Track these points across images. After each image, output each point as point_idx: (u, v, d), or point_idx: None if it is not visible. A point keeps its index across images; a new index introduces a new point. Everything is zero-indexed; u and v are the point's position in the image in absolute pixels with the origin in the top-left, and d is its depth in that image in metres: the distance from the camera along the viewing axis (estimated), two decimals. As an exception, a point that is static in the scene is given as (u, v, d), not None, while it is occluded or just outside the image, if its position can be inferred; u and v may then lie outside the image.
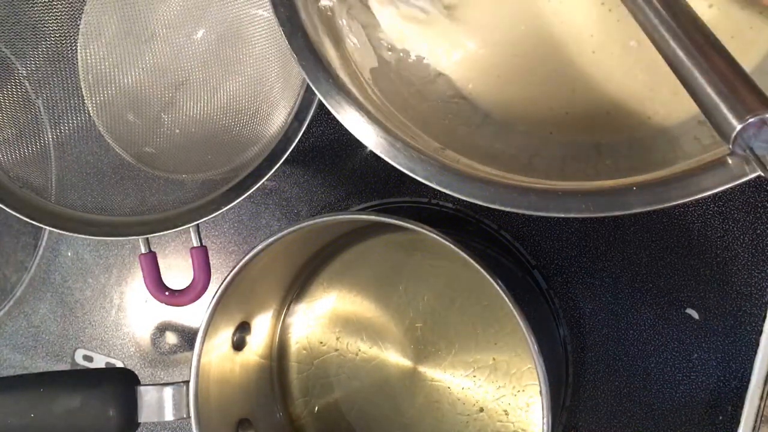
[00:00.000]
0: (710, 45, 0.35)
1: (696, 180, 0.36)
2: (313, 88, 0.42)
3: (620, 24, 0.50)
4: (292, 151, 0.52)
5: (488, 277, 0.46)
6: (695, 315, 0.55)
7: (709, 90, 0.34)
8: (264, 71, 0.56)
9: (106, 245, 0.68)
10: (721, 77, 0.34)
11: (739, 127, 0.32)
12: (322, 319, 0.61)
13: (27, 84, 0.58)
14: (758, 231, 0.53)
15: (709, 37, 0.36)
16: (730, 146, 0.33)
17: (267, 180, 0.51)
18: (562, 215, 0.38)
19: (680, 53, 0.35)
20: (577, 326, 0.58)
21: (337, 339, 0.61)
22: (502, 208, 0.39)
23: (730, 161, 0.35)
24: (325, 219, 0.48)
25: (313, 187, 0.63)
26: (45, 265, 0.69)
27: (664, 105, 0.49)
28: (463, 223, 0.60)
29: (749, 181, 0.35)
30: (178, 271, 0.65)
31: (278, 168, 0.52)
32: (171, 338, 0.69)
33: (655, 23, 0.37)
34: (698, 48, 0.35)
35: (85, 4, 0.57)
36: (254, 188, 0.50)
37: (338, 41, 0.47)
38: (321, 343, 0.61)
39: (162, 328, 0.68)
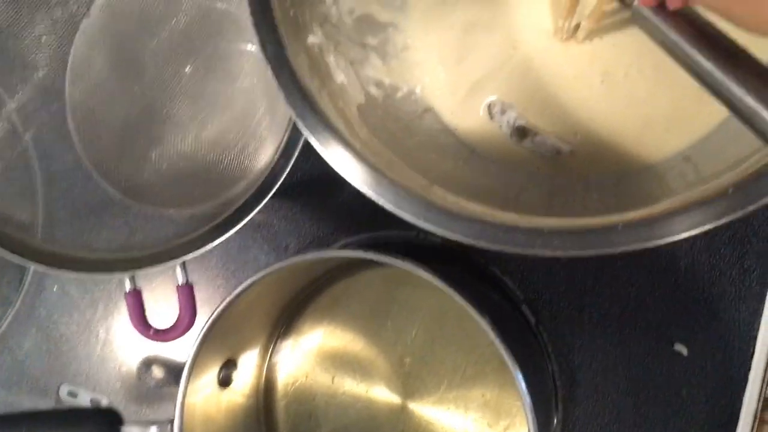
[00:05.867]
0: (738, 53, 0.36)
1: (679, 219, 0.36)
2: (300, 125, 0.42)
3: (616, 50, 0.51)
4: (280, 184, 0.52)
5: (475, 314, 0.45)
6: (684, 350, 0.54)
7: (747, 97, 0.34)
8: (252, 106, 0.56)
9: (92, 279, 0.68)
10: (760, 84, 0.35)
11: None
12: (310, 355, 0.61)
13: (15, 118, 0.58)
14: (745, 265, 0.53)
15: (736, 46, 0.36)
16: None
17: (255, 214, 0.51)
18: (548, 254, 0.38)
19: (709, 65, 0.36)
20: (566, 361, 0.57)
21: (325, 375, 0.60)
22: (488, 247, 0.39)
23: None
24: (311, 256, 0.48)
25: (301, 221, 0.63)
26: (30, 299, 0.69)
27: (654, 141, 0.50)
28: (451, 257, 0.60)
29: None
30: (164, 306, 0.64)
31: (266, 202, 0.52)
32: (157, 372, 0.68)
33: (680, 43, 0.38)
34: (728, 57, 0.36)
35: (74, 40, 0.57)
36: (240, 225, 0.50)
37: (326, 78, 0.47)
38: (308, 378, 0.61)
39: (148, 363, 0.68)
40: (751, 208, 0.35)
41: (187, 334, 0.55)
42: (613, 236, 0.38)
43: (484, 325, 0.46)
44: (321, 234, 0.63)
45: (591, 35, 0.51)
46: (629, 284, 0.56)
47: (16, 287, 0.68)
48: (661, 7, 0.40)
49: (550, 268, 0.58)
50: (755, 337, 0.53)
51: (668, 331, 0.55)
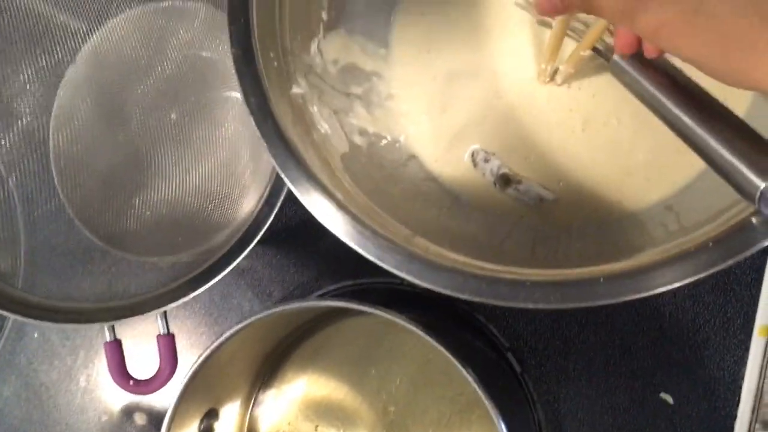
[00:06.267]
0: (716, 108, 0.36)
1: (661, 273, 0.36)
2: (283, 176, 0.42)
3: (596, 99, 0.51)
4: (264, 232, 0.52)
5: (458, 364, 0.45)
6: (669, 399, 0.54)
7: (726, 153, 0.34)
8: (236, 154, 0.56)
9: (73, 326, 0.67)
10: (736, 138, 0.35)
11: (763, 185, 0.32)
12: (293, 403, 0.60)
13: (0, 164, 0.58)
14: (728, 314, 0.53)
15: (714, 101, 0.37)
16: (756, 205, 0.33)
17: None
18: (531, 306, 0.38)
19: (687, 120, 0.36)
20: (552, 410, 0.57)
21: (308, 424, 0.59)
22: (471, 298, 0.39)
23: (754, 221, 0.35)
24: (294, 305, 0.47)
25: (285, 267, 0.63)
26: (10, 346, 0.68)
27: (636, 189, 0.50)
28: (436, 305, 0.60)
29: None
30: (146, 353, 0.63)
31: (250, 248, 0.51)
32: (139, 420, 0.67)
33: (657, 96, 0.38)
34: (706, 112, 0.36)
35: (59, 87, 0.57)
36: (223, 274, 0.50)
37: (309, 128, 0.47)
38: (291, 427, 0.60)
39: (129, 412, 0.66)
40: (730, 262, 0.35)
41: (169, 382, 0.54)
42: (595, 289, 0.38)
43: (467, 375, 0.45)
44: (305, 280, 0.63)
45: (569, 80, 0.51)
46: (614, 332, 0.56)
47: (-4, 334, 0.68)
48: (638, 60, 0.41)
49: (536, 316, 0.57)
50: (740, 386, 0.52)
51: (654, 379, 0.55)
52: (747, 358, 0.52)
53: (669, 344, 0.54)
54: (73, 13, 0.57)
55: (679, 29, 0.31)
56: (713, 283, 0.53)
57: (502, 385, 0.55)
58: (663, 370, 0.54)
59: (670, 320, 0.54)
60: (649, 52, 0.38)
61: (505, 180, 0.52)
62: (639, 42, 0.39)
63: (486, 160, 0.53)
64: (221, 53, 0.56)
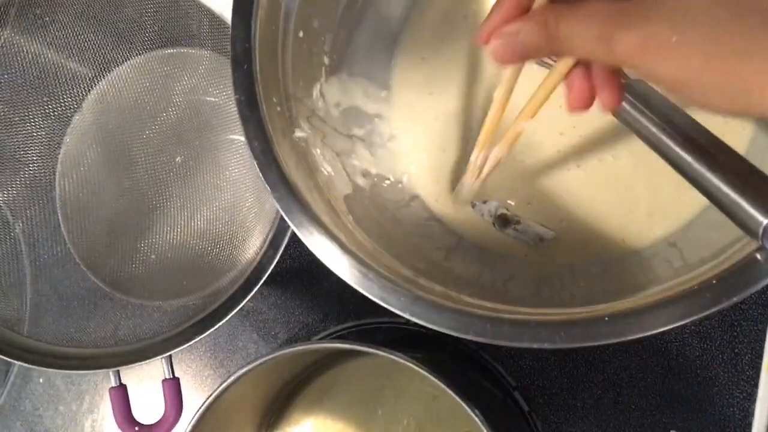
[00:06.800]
0: (716, 145, 0.36)
1: (665, 312, 0.36)
2: (287, 220, 0.43)
3: (586, 136, 0.51)
4: (268, 274, 0.52)
5: (464, 404, 0.45)
6: (679, 438, 0.54)
7: (728, 190, 0.34)
8: (240, 196, 0.57)
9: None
10: (736, 175, 0.34)
11: (765, 222, 0.32)
12: (300, 447, 0.60)
13: (6, 210, 0.58)
14: (736, 350, 0.53)
15: (713, 137, 0.37)
16: (759, 242, 0.33)
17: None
18: (536, 346, 0.38)
19: (688, 157, 0.36)
20: (560, 450, 0.56)
21: (315, 467, 0.59)
22: (476, 339, 0.39)
23: (759, 257, 0.35)
24: (299, 348, 0.47)
25: (290, 308, 0.63)
26: (16, 392, 0.68)
27: (638, 226, 0.50)
28: (441, 344, 0.60)
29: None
30: (150, 399, 0.63)
31: (254, 291, 0.51)
32: (145, 466, 0.66)
33: (657, 133, 0.38)
34: (706, 149, 0.36)
35: (65, 134, 0.58)
36: (227, 318, 0.50)
37: (312, 171, 0.48)
38: (298, 471, 0.59)
39: (135, 457, 0.66)
40: (735, 299, 0.35)
41: (175, 427, 0.54)
42: (600, 328, 0.37)
43: (473, 414, 0.45)
44: (310, 321, 0.62)
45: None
46: (622, 369, 0.55)
47: (2, 379, 0.67)
48: (636, 97, 0.41)
49: (542, 354, 0.57)
50: (751, 423, 0.52)
51: (663, 417, 0.54)
52: (756, 394, 0.52)
53: (677, 381, 0.54)
54: (79, 60, 0.58)
55: (666, 42, 0.27)
56: (720, 319, 0.53)
57: (509, 425, 0.54)
58: (672, 408, 0.54)
59: (678, 357, 0.54)
60: (606, 104, 0.35)
61: (503, 220, 0.52)
62: (594, 95, 0.35)
63: (484, 201, 0.53)
64: (225, 98, 0.57)
